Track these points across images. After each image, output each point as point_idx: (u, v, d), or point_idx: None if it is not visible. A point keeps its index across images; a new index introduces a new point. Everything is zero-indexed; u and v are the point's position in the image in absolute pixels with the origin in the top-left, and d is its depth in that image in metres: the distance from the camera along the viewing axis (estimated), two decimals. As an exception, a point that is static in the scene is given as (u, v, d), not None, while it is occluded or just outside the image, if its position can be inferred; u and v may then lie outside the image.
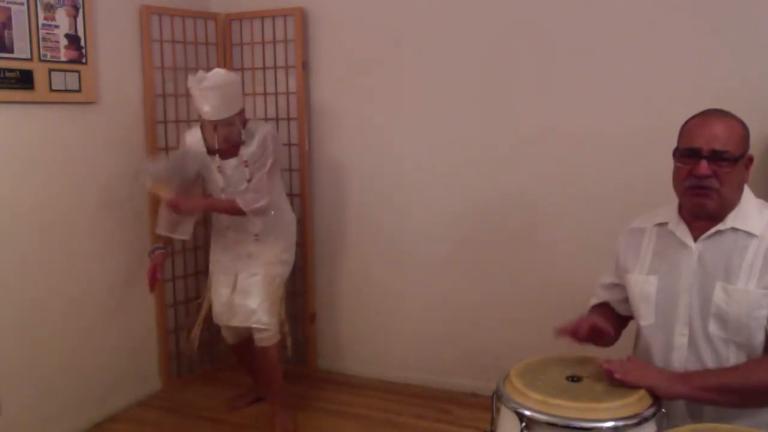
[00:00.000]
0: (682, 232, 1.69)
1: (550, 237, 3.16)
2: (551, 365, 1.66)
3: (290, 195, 3.57)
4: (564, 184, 3.10)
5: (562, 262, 3.12)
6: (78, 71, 2.97)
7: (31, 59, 2.76)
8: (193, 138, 2.96)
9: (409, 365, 3.54)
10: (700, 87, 2.76)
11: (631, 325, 1.87)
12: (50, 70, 2.84)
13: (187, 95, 3.51)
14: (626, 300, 1.84)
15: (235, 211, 2.88)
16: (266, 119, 3.58)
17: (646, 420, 1.44)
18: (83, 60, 2.99)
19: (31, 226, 2.82)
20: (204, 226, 3.66)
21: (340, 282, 3.66)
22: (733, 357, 1.60)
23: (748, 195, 1.67)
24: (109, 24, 3.12)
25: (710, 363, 1.62)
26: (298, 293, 3.65)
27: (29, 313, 2.82)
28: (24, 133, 2.78)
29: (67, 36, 2.91)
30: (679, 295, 1.66)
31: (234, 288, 3.02)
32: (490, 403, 1.60)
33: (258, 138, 2.89)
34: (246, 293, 2.98)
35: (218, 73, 2.80)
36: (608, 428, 1.41)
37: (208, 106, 2.76)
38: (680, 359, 1.65)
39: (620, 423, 1.42)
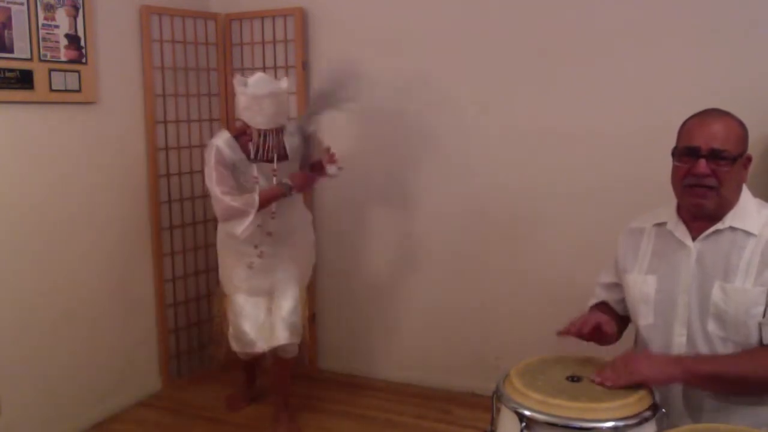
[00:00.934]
0: (681, 231, 1.69)
1: (550, 237, 3.16)
2: (551, 365, 1.66)
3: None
4: (564, 185, 3.10)
5: (563, 262, 3.12)
6: (78, 71, 2.97)
7: (31, 59, 2.76)
8: (225, 143, 2.76)
9: (409, 365, 3.54)
10: (700, 87, 2.76)
11: (632, 325, 1.87)
12: (50, 70, 2.84)
13: (188, 95, 3.53)
14: (625, 300, 1.84)
15: (283, 193, 2.77)
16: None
17: (646, 420, 1.44)
18: (83, 60, 2.99)
19: (31, 226, 2.82)
20: (204, 225, 3.67)
21: (340, 282, 3.66)
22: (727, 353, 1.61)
23: (746, 194, 1.67)
24: (109, 24, 3.12)
25: None
26: (298, 293, 3.65)
27: (29, 313, 2.82)
28: (24, 133, 2.78)
29: (67, 36, 2.91)
30: (677, 294, 1.67)
31: (270, 308, 2.90)
32: (490, 403, 1.60)
33: (295, 130, 2.89)
34: (283, 308, 2.88)
35: (268, 80, 2.73)
36: (608, 428, 1.41)
37: (262, 116, 2.67)
38: None
39: (620, 423, 1.42)
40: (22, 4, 2.71)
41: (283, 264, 2.90)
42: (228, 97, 3.62)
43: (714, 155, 1.58)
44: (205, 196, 3.64)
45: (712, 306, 1.61)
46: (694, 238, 1.67)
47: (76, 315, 3.02)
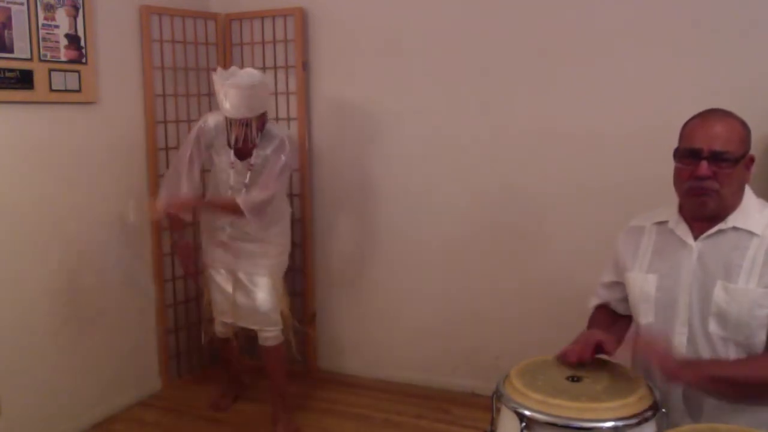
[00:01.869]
0: (682, 230, 1.69)
1: (550, 237, 3.16)
2: (551, 365, 1.66)
3: (290, 195, 3.57)
4: (565, 184, 3.10)
5: (563, 262, 3.12)
6: (78, 71, 2.97)
7: (31, 59, 2.76)
8: (216, 122, 2.94)
9: (409, 365, 3.54)
10: (700, 87, 2.76)
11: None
12: (50, 70, 2.84)
13: (188, 95, 3.53)
14: (626, 299, 1.84)
15: (234, 210, 2.84)
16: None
17: (646, 420, 1.44)
18: (83, 60, 2.99)
19: (30, 226, 2.81)
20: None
21: (340, 282, 3.66)
22: (732, 356, 1.61)
23: (749, 195, 1.67)
24: (109, 24, 3.12)
25: None
26: (298, 293, 3.65)
27: (29, 313, 2.82)
28: (24, 133, 2.78)
29: (67, 36, 2.91)
30: (678, 294, 1.66)
31: (236, 286, 3.02)
32: (490, 403, 1.60)
33: (274, 143, 2.88)
34: (250, 294, 2.98)
35: (247, 74, 2.81)
36: (608, 428, 1.41)
37: (228, 104, 2.76)
38: None
39: (620, 423, 1.42)
40: (22, 4, 2.71)
41: (249, 250, 2.99)
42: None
43: (715, 157, 1.57)
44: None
45: (713, 306, 1.61)
46: (695, 238, 1.67)
47: (76, 315, 3.02)
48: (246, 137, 2.83)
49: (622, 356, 1.69)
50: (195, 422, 3.16)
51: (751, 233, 1.61)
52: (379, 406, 3.29)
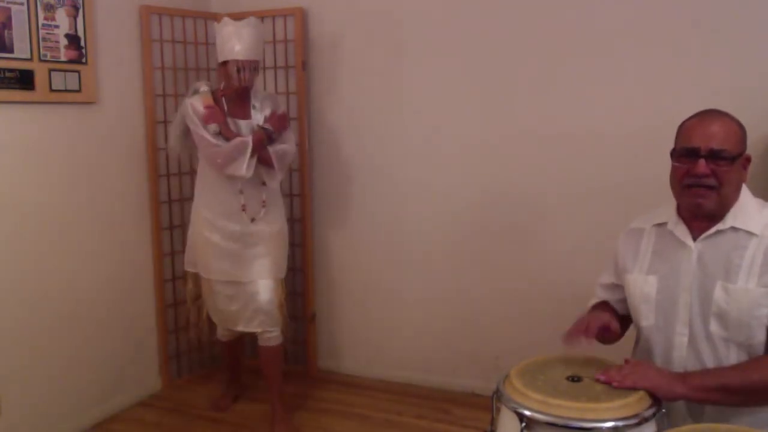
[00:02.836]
0: (681, 231, 1.69)
1: (550, 237, 3.16)
2: (551, 365, 1.66)
3: (290, 195, 3.58)
4: (564, 184, 3.10)
5: (563, 262, 3.12)
6: (78, 71, 2.97)
7: (31, 59, 2.76)
8: (199, 101, 2.87)
9: (409, 365, 3.54)
10: (700, 87, 2.76)
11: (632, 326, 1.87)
12: (50, 70, 2.84)
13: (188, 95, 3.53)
14: (625, 301, 1.84)
15: (262, 147, 2.84)
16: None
17: (646, 420, 1.44)
18: (83, 60, 2.99)
19: (30, 226, 2.82)
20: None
21: (340, 282, 3.66)
22: (733, 356, 1.61)
23: (746, 194, 1.67)
24: (109, 24, 3.12)
25: (710, 363, 1.62)
26: (298, 293, 3.65)
27: (29, 313, 2.82)
28: (24, 133, 2.78)
29: (67, 36, 2.91)
30: (679, 295, 1.67)
31: (238, 293, 2.97)
32: (490, 403, 1.60)
33: (268, 100, 3.00)
34: (254, 297, 2.96)
35: (251, 18, 2.89)
36: (608, 428, 1.41)
37: (240, 46, 2.81)
38: (680, 359, 1.66)
39: (620, 423, 1.42)
40: (22, 4, 2.71)
41: (257, 249, 2.97)
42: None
43: (713, 155, 1.58)
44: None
45: (714, 306, 1.61)
46: (694, 238, 1.67)
47: (76, 315, 3.02)
48: (253, 84, 2.89)
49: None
50: (195, 422, 3.16)
51: (749, 233, 1.61)
52: (379, 406, 3.29)
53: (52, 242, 2.90)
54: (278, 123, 2.92)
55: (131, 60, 3.26)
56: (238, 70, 2.83)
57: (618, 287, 1.87)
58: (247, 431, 3.08)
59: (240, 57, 2.82)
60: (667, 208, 1.76)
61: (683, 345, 1.65)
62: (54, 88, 2.86)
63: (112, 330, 3.21)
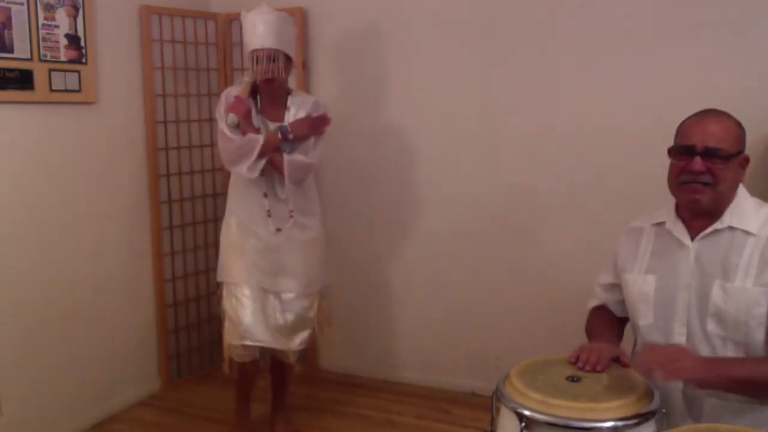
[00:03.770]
0: (680, 231, 1.70)
1: (550, 237, 3.16)
2: (551, 365, 1.66)
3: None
4: (564, 184, 3.10)
5: (563, 263, 3.12)
6: (78, 71, 2.97)
7: (31, 59, 2.76)
8: (233, 89, 2.74)
9: (409, 365, 3.54)
10: (700, 87, 2.76)
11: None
12: (50, 70, 2.84)
13: (188, 95, 3.53)
14: (623, 301, 1.84)
15: (274, 151, 2.62)
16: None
17: (646, 420, 1.44)
18: (83, 60, 2.99)
19: (30, 226, 2.81)
20: (204, 225, 3.66)
21: (341, 282, 3.65)
22: (731, 355, 1.61)
23: (743, 193, 1.68)
24: (109, 24, 3.12)
25: None
26: (298, 293, 3.65)
27: (29, 312, 2.82)
28: (24, 133, 2.78)
29: (67, 36, 2.91)
30: (677, 294, 1.67)
31: (270, 304, 2.78)
32: (490, 403, 1.60)
33: (307, 105, 2.73)
34: (291, 313, 2.79)
35: (264, 5, 2.66)
36: (608, 428, 1.41)
37: (256, 35, 2.57)
38: None
39: (620, 423, 1.42)
40: (22, 4, 2.71)
41: (287, 259, 2.76)
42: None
43: (709, 153, 1.59)
44: (205, 196, 3.66)
45: (711, 305, 1.62)
46: (692, 238, 1.67)
47: (76, 315, 3.02)
48: (273, 75, 2.59)
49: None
50: (195, 422, 3.16)
51: (747, 233, 1.62)
52: (379, 406, 3.29)
53: (51, 242, 2.90)
54: (302, 126, 2.66)
55: (131, 60, 3.26)
56: (256, 61, 2.59)
57: (617, 287, 1.87)
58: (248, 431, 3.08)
59: (256, 46, 2.59)
60: (666, 208, 1.77)
61: (681, 344, 1.65)
62: (54, 88, 2.86)
63: (112, 330, 3.21)
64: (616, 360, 1.66)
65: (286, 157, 2.63)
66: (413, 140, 3.38)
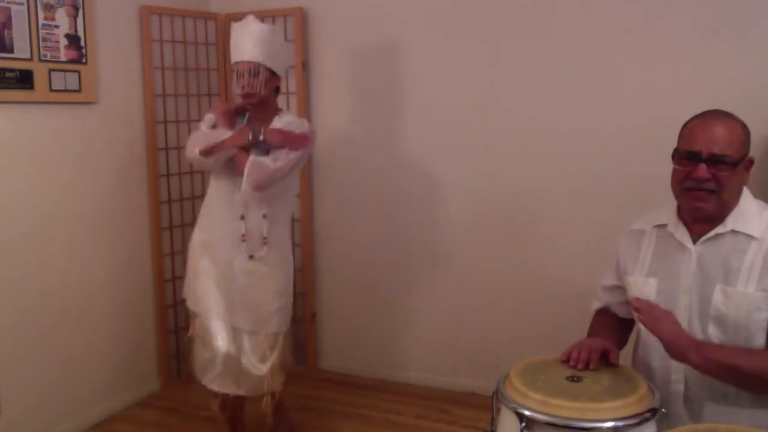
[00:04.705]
0: (681, 234, 1.69)
1: (550, 237, 3.16)
2: (551, 365, 1.66)
3: (290, 195, 3.58)
4: (565, 185, 3.10)
5: (563, 263, 3.12)
6: (78, 71, 2.97)
7: (31, 59, 2.76)
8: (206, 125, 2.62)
9: (409, 365, 3.54)
10: (700, 87, 2.76)
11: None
12: (50, 70, 2.84)
13: (188, 95, 3.53)
14: (627, 302, 1.84)
15: (240, 154, 2.48)
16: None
17: (646, 420, 1.44)
18: (83, 60, 2.99)
19: (29, 226, 2.81)
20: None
21: (340, 282, 3.66)
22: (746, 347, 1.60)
23: (747, 196, 1.67)
24: (109, 24, 3.12)
25: None
26: (298, 293, 3.65)
27: (29, 313, 2.82)
28: (24, 133, 2.78)
29: (67, 36, 2.91)
30: (678, 297, 1.66)
31: (235, 337, 2.58)
32: (490, 403, 1.60)
33: (294, 123, 2.59)
34: (254, 354, 2.59)
35: (250, 17, 2.56)
36: (608, 428, 1.41)
37: (247, 46, 2.46)
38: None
39: (620, 423, 1.42)
40: (22, 4, 2.71)
41: (249, 293, 2.59)
42: (228, 97, 3.62)
43: (714, 160, 1.57)
44: (205, 196, 3.65)
45: (713, 309, 1.61)
46: (694, 241, 1.66)
47: (76, 315, 3.02)
48: (252, 90, 2.46)
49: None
50: (194, 422, 3.16)
51: (749, 237, 1.61)
52: (379, 406, 3.29)
53: (51, 242, 2.90)
54: (277, 135, 2.50)
55: (131, 60, 3.26)
56: (237, 76, 2.49)
57: (619, 289, 1.87)
58: (248, 431, 3.07)
59: (236, 58, 2.49)
60: (668, 209, 1.76)
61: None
62: (54, 88, 2.86)
63: (112, 330, 3.21)
64: (605, 354, 1.66)
65: (251, 157, 2.47)
66: (413, 140, 3.38)
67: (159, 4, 3.34)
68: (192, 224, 3.55)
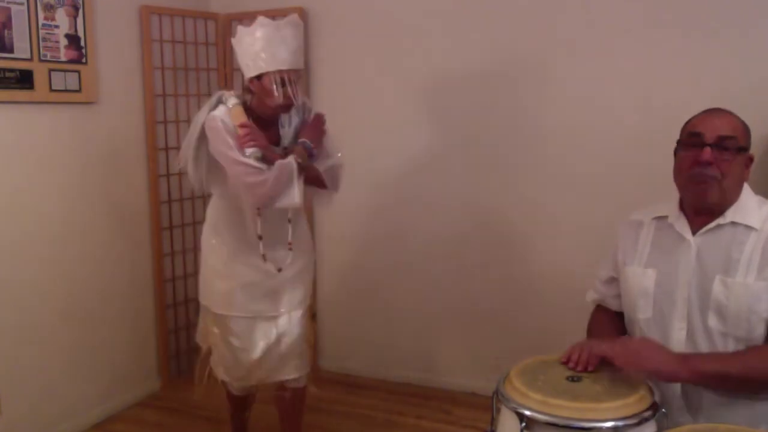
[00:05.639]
0: (681, 225, 1.70)
1: (550, 236, 3.16)
2: (551, 365, 1.66)
3: (290, 195, 3.58)
4: (565, 184, 3.10)
5: (563, 262, 3.12)
6: (78, 71, 2.97)
7: (31, 59, 2.76)
8: (224, 115, 2.29)
9: (409, 365, 3.54)
10: (699, 86, 2.76)
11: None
12: (50, 70, 2.84)
13: (188, 95, 3.53)
14: (620, 296, 1.84)
15: (310, 170, 2.33)
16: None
17: (646, 420, 1.44)
18: (83, 60, 2.99)
19: (30, 227, 2.81)
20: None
21: (341, 282, 3.66)
22: (731, 350, 1.61)
23: (747, 191, 1.69)
24: (109, 24, 3.12)
25: None
26: (298, 293, 3.65)
27: (29, 312, 2.82)
28: (24, 133, 2.78)
29: (67, 36, 2.91)
30: (677, 288, 1.67)
31: (272, 336, 2.50)
32: (490, 403, 1.60)
33: (299, 113, 2.45)
34: (286, 337, 2.50)
35: (294, 15, 2.32)
36: (608, 428, 1.41)
37: (285, 52, 2.21)
38: None
39: (620, 423, 1.42)
40: (22, 4, 2.71)
41: (290, 282, 2.52)
42: (228, 97, 3.61)
43: (719, 143, 1.59)
44: (205, 196, 3.65)
45: (712, 301, 1.61)
46: (694, 233, 1.67)
47: (76, 315, 3.02)
48: (295, 98, 2.27)
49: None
50: (195, 422, 3.16)
51: (749, 228, 1.62)
52: (379, 406, 3.29)
53: (51, 242, 2.90)
54: (313, 132, 2.37)
55: (131, 60, 3.26)
56: (283, 83, 2.22)
57: (615, 281, 1.88)
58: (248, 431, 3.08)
59: (284, 66, 2.22)
60: (668, 203, 1.77)
61: (681, 339, 1.65)
62: (54, 88, 2.86)
63: (112, 330, 3.21)
64: (605, 357, 1.64)
65: (321, 168, 2.37)
66: (412, 139, 3.38)
67: (159, 4, 3.34)
68: (192, 224, 3.58)
